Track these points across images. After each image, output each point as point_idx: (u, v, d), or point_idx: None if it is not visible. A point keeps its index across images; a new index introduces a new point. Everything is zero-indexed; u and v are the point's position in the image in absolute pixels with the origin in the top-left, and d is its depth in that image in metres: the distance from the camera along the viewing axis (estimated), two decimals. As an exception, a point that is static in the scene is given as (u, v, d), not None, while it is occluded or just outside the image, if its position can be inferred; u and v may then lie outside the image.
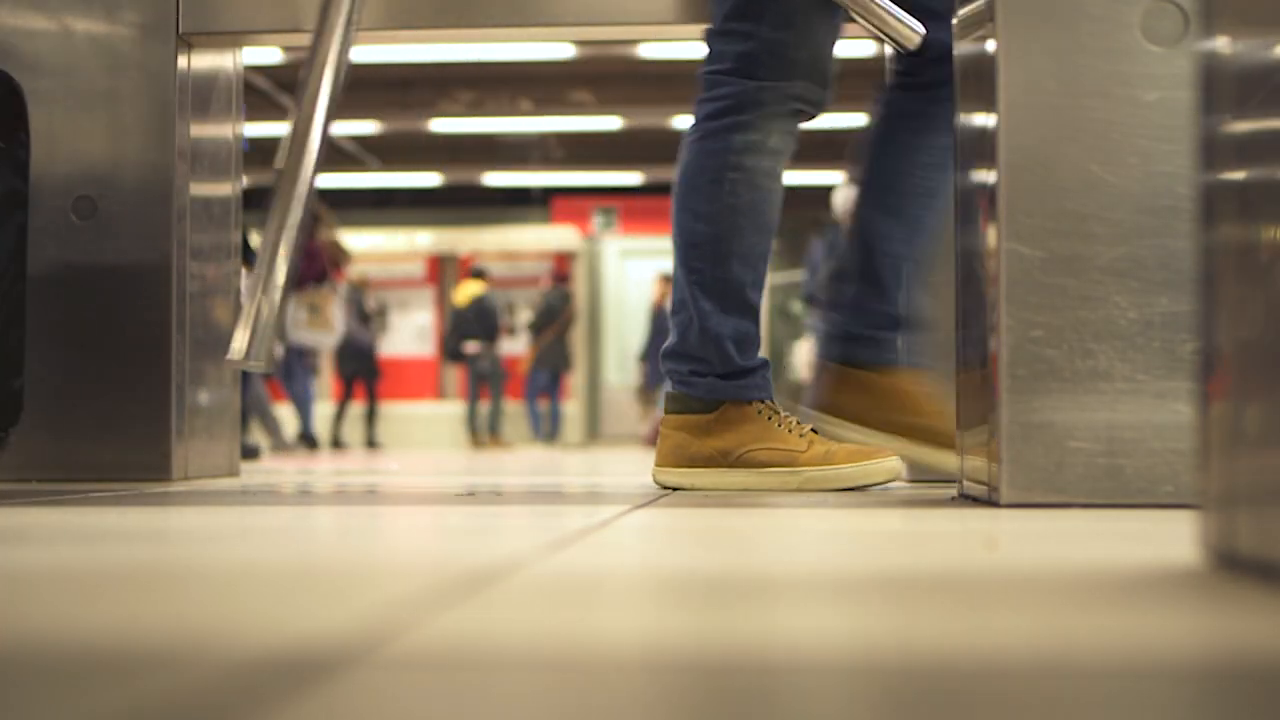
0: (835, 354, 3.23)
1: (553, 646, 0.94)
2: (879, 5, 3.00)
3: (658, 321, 15.31)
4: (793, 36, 3.05)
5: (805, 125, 3.20)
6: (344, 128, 15.56)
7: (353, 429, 14.53)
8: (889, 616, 1.10)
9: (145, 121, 3.63)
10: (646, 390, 15.62)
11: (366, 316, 13.53)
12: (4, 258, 3.19)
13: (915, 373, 3.20)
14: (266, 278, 2.94)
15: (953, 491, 2.86)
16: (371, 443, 13.53)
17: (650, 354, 15.22)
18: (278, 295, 2.95)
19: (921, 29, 3.02)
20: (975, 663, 0.88)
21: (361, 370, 13.56)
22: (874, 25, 3.02)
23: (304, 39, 4.05)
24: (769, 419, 3.10)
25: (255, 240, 6.07)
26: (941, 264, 3.54)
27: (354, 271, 14.00)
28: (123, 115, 3.59)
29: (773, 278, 16.40)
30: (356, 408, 14.12)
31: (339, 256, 10.78)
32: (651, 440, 15.00)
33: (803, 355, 14.19)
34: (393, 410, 15.94)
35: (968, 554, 1.61)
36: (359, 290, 13.55)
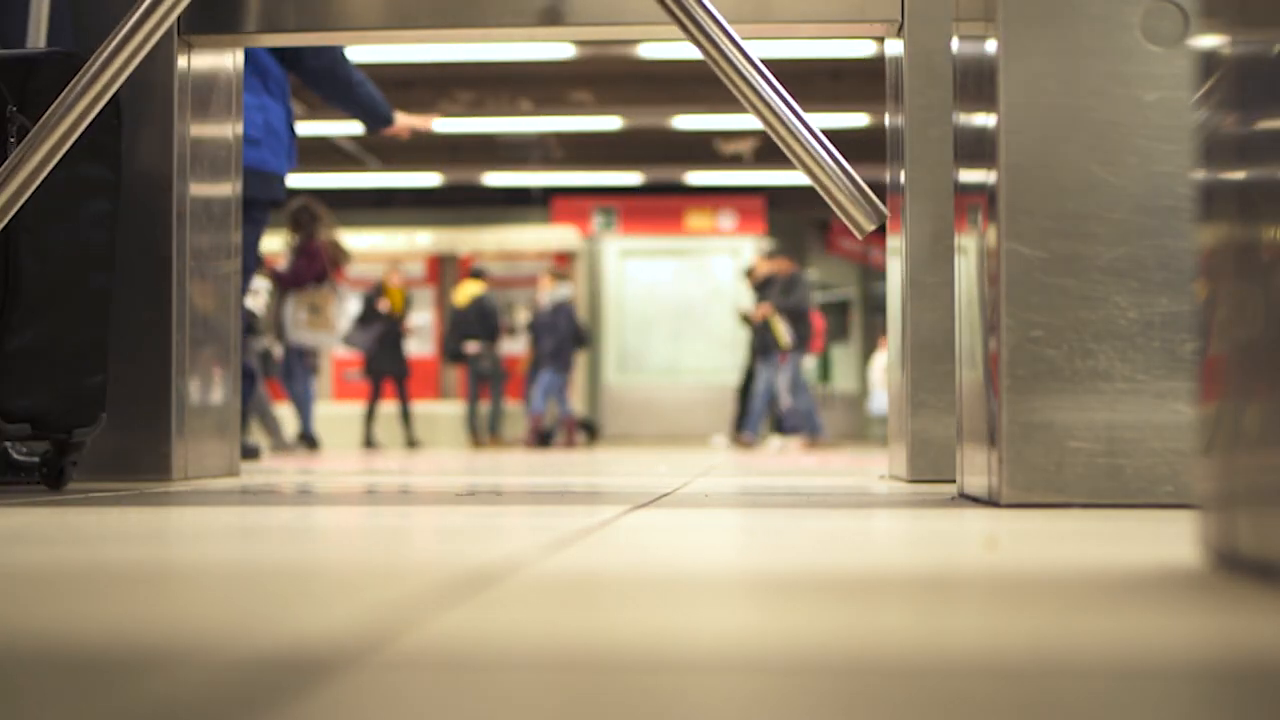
0: None
1: (554, 646, 0.94)
2: (837, 185, 2.75)
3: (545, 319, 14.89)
4: None
5: None
6: (344, 128, 15.55)
7: (352, 429, 14.51)
8: (889, 616, 1.10)
9: (145, 121, 3.62)
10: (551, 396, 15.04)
11: (366, 317, 13.51)
12: (73, 247, 2.99)
13: None
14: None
15: (953, 491, 2.86)
16: (369, 443, 13.53)
17: (554, 357, 14.77)
18: None
19: (879, 217, 2.78)
20: (976, 662, 0.88)
21: (377, 370, 13.59)
22: (831, 203, 2.78)
23: (304, 39, 4.06)
24: None
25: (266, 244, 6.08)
26: (942, 264, 3.54)
27: (376, 271, 14.05)
28: (123, 115, 3.58)
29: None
30: (356, 408, 14.13)
31: (339, 256, 10.78)
32: (533, 441, 14.62)
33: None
34: (393, 410, 15.92)
35: (968, 554, 1.61)
36: (376, 291, 13.58)
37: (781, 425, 13.53)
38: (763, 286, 13.83)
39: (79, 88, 2.74)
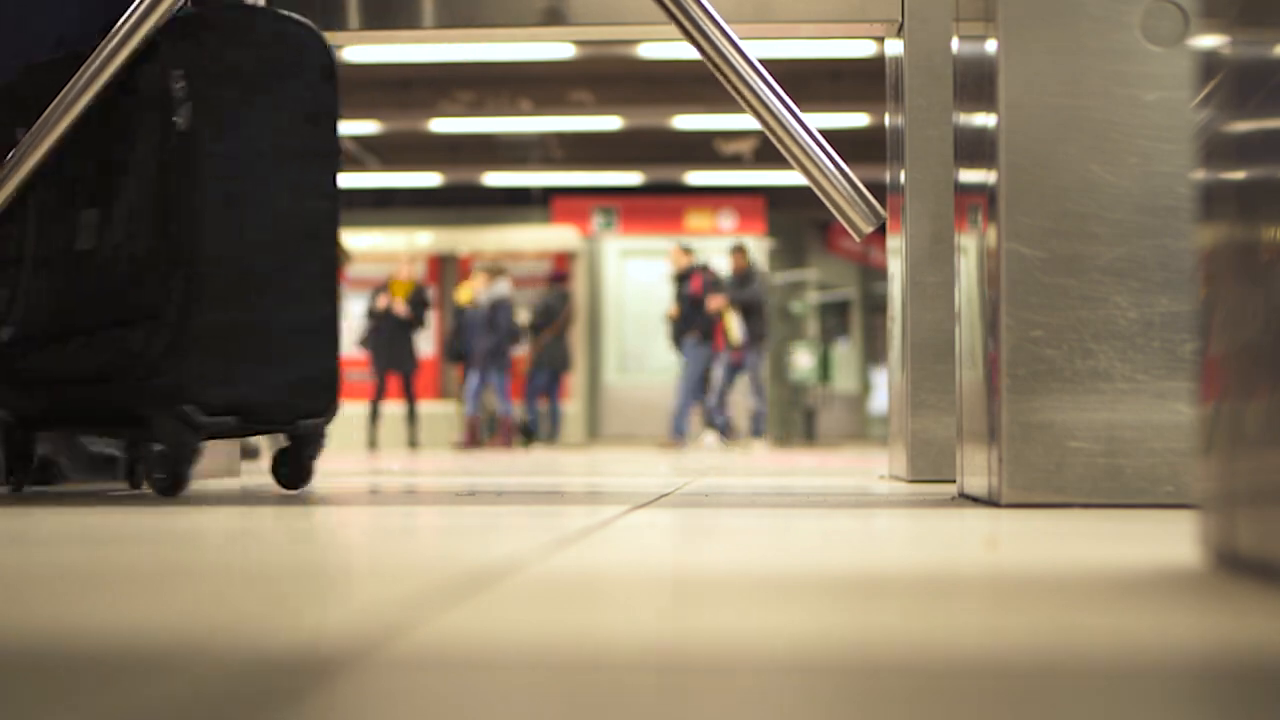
0: None
1: (555, 646, 0.94)
2: (835, 187, 2.74)
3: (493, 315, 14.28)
4: None
5: None
6: (344, 128, 15.54)
7: (351, 429, 14.52)
8: (890, 616, 1.10)
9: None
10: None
11: (370, 315, 13.56)
12: (283, 220, 2.75)
13: None
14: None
15: (953, 491, 2.86)
16: (373, 444, 13.54)
17: (494, 356, 14.35)
18: None
19: (876, 219, 2.78)
20: (976, 662, 0.88)
21: (380, 366, 13.61)
22: (829, 205, 2.79)
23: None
24: None
25: None
26: (942, 264, 3.54)
27: (376, 271, 14.04)
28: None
29: (774, 278, 16.36)
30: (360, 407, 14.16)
31: (339, 257, 10.79)
32: (470, 444, 14.16)
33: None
34: (393, 409, 15.93)
35: (968, 554, 1.61)
36: (379, 292, 13.60)
37: (712, 419, 13.36)
38: (681, 280, 13.55)
39: (76, 89, 2.74)
